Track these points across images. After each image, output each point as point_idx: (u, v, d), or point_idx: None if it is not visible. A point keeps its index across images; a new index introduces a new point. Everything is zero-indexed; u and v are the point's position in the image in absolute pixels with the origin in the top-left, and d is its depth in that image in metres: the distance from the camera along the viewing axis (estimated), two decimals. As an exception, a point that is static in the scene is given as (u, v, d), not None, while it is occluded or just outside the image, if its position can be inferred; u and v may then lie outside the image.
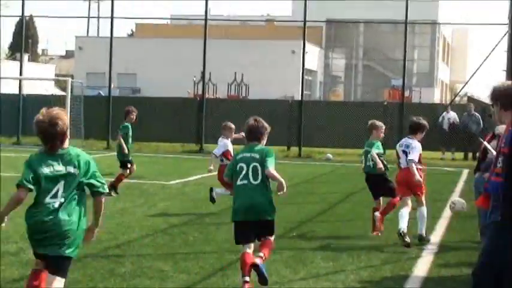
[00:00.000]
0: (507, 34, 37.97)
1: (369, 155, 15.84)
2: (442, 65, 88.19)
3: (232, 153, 17.69)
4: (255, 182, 10.26)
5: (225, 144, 18.60)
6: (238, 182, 10.41)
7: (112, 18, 42.68)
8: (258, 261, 9.86)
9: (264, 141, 11.11)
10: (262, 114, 39.24)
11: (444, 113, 38.45)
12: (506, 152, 7.65)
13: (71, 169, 8.16)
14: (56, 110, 8.11)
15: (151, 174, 24.62)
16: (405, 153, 14.67)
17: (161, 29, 78.75)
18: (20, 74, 45.82)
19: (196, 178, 25.33)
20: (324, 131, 39.70)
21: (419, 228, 14.34)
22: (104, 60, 57.73)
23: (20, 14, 47.42)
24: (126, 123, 22.05)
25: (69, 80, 42.91)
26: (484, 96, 54.51)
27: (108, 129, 40.99)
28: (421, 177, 14.43)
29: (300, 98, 41.45)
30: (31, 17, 45.99)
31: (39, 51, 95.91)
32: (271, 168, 10.28)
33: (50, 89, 64.69)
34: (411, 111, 39.59)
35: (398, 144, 15.14)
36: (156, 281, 10.65)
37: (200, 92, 55.98)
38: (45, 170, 8.10)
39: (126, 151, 21.68)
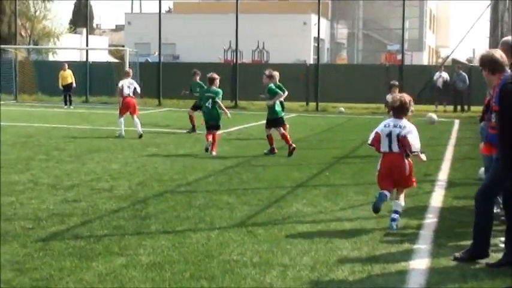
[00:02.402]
0: (488, 7, 38.13)
1: None
2: (429, 33, 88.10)
3: None
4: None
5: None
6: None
7: (160, -3, 42.92)
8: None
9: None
10: (285, 75, 39.65)
11: (438, 73, 38.66)
12: (497, 109, 8.02)
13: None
14: None
15: (199, 126, 24.79)
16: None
17: (194, 6, 78.61)
18: (87, 45, 46.05)
19: (235, 129, 25.47)
20: (337, 88, 40.03)
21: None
22: (148, 32, 58.05)
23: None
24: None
25: (127, 49, 43.06)
26: (466, 58, 54.64)
27: (159, 89, 41.37)
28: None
29: (311, 62, 41.79)
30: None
31: (94, 25, 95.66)
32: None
33: (105, 57, 64.91)
34: (408, 71, 40.09)
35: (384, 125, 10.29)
36: (226, 211, 10.79)
37: (229, 58, 56.44)
38: None
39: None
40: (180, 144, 20.44)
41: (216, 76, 18.90)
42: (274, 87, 18.82)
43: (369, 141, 10.37)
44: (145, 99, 39.46)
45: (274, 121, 18.54)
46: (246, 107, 39.03)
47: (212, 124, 18.52)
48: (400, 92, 15.71)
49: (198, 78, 24.30)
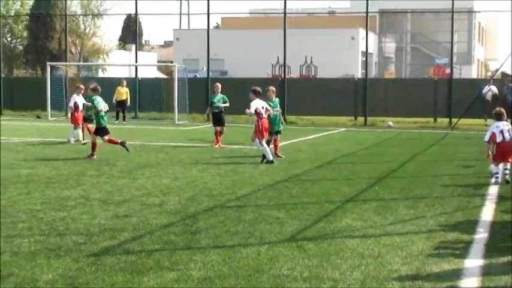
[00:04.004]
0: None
1: None
2: (478, 46, 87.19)
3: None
4: None
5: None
6: None
7: (208, 14, 43.11)
8: None
9: None
10: (332, 90, 39.35)
11: (487, 86, 38.11)
12: None
13: None
14: None
15: (247, 140, 24.76)
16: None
17: (242, 21, 78.85)
18: (136, 61, 46.53)
19: (284, 143, 25.35)
20: (385, 103, 39.86)
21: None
22: (196, 48, 58.29)
23: (128, 13, 48.00)
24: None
25: (176, 65, 43.40)
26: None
27: (207, 103, 41.54)
28: None
29: (359, 77, 41.64)
30: (136, 14, 46.20)
31: (143, 42, 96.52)
32: None
33: (153, 73, 65.42)
34: (457, 85, 39.67)
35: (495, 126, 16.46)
36: (275, 226, 10.78)
37: (277, 73, 56.52)
38: None
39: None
40: (229, 159, 20.50)
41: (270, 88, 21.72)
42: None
43: (486, 139, 16.32)
44: (194, 115, 39.68)
45: None
46: (294, 121, 38.98)
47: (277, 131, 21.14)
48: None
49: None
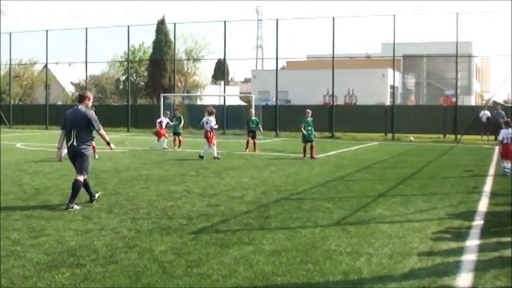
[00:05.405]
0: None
1: None
2: (475, 81, 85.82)
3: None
4: None
5: None
6: None
7: (277, 59, 43.19)
8: None
9: None
10: (368, 114, 38.75)
11: (483, 111, 37.70)
12: None
13: None
14: None
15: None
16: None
17: (301, 63, 78.66)
18: (224, 92, 46.88)
19: (333, 153, 25.36)
20: (407, 123, 39.39)
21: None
22: (268, 83, 58.43)
23: (219, 58, 48.24)
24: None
25: (253, 96, 43.57)
26: (503, 100, 53.07)
27: (276, 124, 41.65)
28: None
29: (388, 104, 41.20)
30: (225, 59, 46.52)
31: (229, 78, 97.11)
32: None
33: (236, 101, 65.76)
34: (460, 110, 39.13)
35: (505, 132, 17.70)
36: (326, 213, 10.74)
37: (327, 101, 56.29)
38: None
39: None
40: (292, 164, 20.43)
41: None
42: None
43: (500, 139, 17.76)
44: (266, 132, 39.77)
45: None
46: (340, 136, 38.77)
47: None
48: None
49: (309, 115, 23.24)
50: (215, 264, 7.20)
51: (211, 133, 21.91)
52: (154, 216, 10.21)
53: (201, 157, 21.52)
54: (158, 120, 27.07)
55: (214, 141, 21.88)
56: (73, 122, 11.10)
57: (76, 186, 11.00)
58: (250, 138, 25.52)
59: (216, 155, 21.66)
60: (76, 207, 10.88)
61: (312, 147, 22.54)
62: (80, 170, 11.15)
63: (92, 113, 11.23)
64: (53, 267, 6.99)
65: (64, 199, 11.74)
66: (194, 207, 11.26)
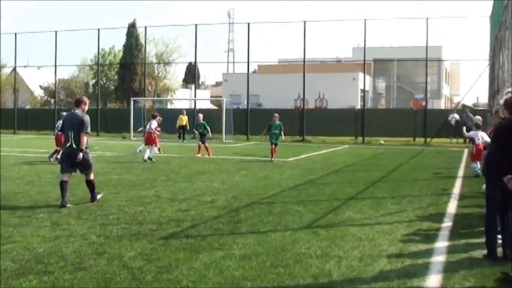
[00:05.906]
0: (487, 66, 37.59)
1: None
2: (444, 85, 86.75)
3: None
4: None
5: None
6: None
7: (248, 62, 43.31)
8: None
9: None
10: (339, 117, 39.02)
11: (452, 114, 38.25)
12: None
13: None
14: None
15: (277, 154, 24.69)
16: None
17: (273, 67, 78.75)
18: (195, 96, 46.79)
19: (303, 156, 25.42)
20: (378, 126, 39.73)
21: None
22: (239, 87, 58.41)
23: (189, 61, 48.13)
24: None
25: (224, 99, 43.60)
26: (472, 103, 53.84)
27: (247, 128, 41.60)
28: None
29: (358, 107, 41.53)
30: (196, 62, 46.47)
31: (200, 82, 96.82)
32: None
33: (207, 105, 65.63)
34: (430, 114, 39.63)
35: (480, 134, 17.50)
36: (296, 217, 10.76)
37: (298, 105, 56.47)
38: None
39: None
40: (263, 168, 20.45)
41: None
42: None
43: (477, 140, 17.29)
44: (237, 136, 39.85)
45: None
46: (311, 140, 38.93)
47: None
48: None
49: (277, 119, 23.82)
50: (185, 269, 7.16)
51: (154, 135, 22.99)
52: (124, 222, 10.12)
53: (145, 160, 21.99)
54: (153, 126, 24.78)
55: (158, 142, 23.31)
56: (70, 125, 11.90)
57: (91, 184, 12.16)
58: (200, 142, 25.60)
59: (149, 157, 22.23)
60: (99, 196, 12.35)
61: (272, 150, 22.92)
62: (87, 169, 12.09)
63: (87, 118, 11.88)
64: (20, 274, 6.89)
65: (32, 205, 11.62)
66: (164, 212, 11.19)
